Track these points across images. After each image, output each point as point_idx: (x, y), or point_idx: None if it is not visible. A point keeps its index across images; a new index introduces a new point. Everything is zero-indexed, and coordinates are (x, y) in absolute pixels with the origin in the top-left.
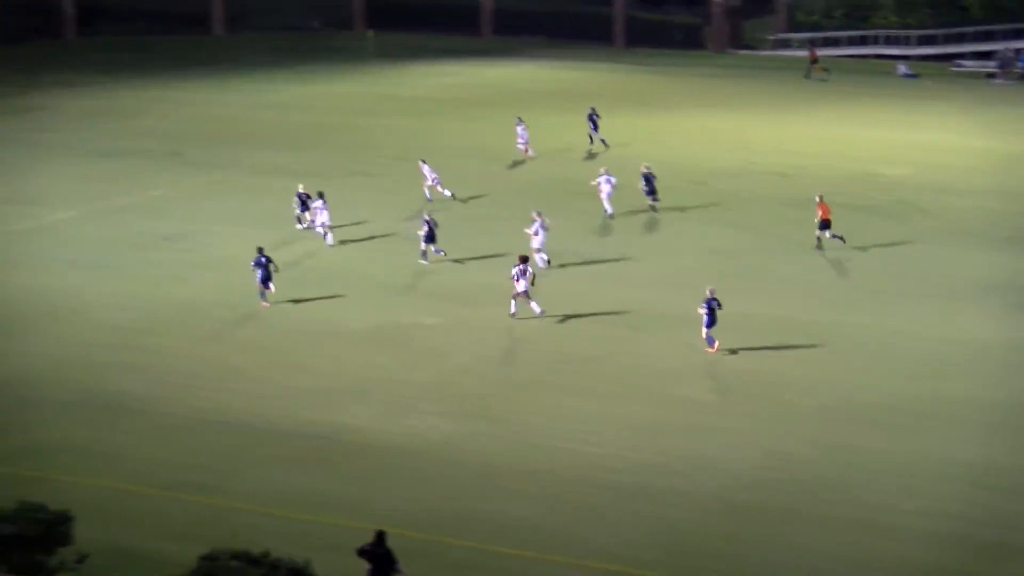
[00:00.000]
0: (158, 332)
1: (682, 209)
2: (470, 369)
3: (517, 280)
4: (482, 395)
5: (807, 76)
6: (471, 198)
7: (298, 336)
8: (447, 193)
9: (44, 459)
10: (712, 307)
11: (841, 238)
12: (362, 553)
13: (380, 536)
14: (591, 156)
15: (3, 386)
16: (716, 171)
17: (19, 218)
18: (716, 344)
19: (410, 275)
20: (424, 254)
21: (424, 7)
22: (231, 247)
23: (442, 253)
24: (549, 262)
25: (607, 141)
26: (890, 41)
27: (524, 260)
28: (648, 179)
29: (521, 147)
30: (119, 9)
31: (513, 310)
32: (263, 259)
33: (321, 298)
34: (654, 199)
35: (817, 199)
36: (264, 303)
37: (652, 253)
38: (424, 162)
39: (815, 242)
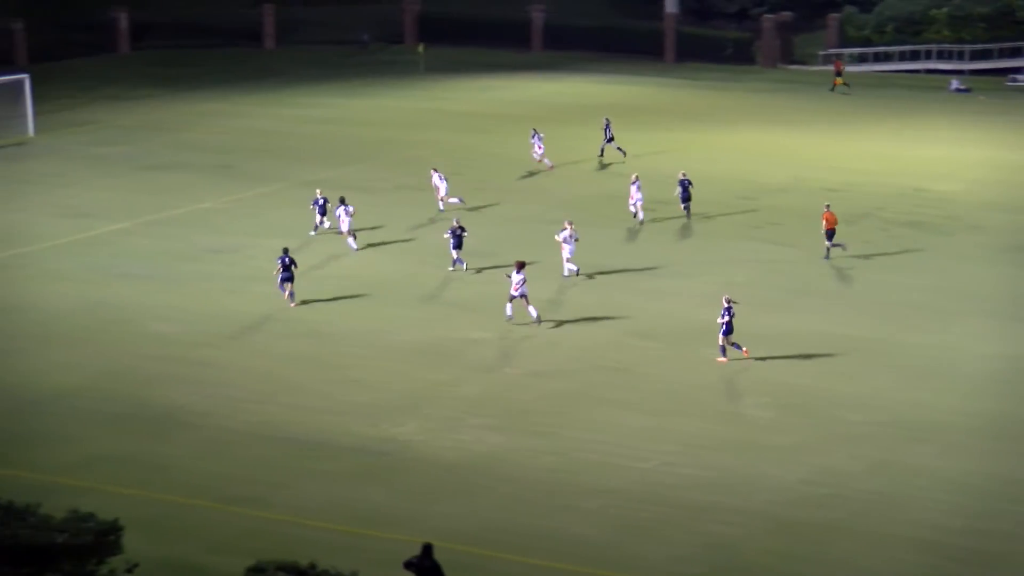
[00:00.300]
0: (207, 344)
1: (731, 224)
2: (518, 383)
3: (515, 286)
4: (531, 409)
5: (832, 89)
6: (490, 204)
7: (347, 349)
8: (446, 203)
9: (94, 470)
10: (726, 316)
11: (842, 246)
12: (408, 566)
13: (427, 549)
14: (604, 167)
15: (55, 397)
16: (765, 186)
17: (72, 230)
18: (745, 349)
19: (457, 289)
20: (457, 261)
21: (474, 22)
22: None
23: (462, 263)
24: (578, 273)
25: (604, 154)
26: (943, 56)
27: (522, 266)
28: (684, 186)
29: (537, 158)
30: (171, 24)
31: (509, 313)
32: (287, 259)
33: (370, 312)
34: (688, 206)
35: (825, 208)
36: (285, 296)
37: (700, 268)
38: (436, 171)
39: (824, 252)
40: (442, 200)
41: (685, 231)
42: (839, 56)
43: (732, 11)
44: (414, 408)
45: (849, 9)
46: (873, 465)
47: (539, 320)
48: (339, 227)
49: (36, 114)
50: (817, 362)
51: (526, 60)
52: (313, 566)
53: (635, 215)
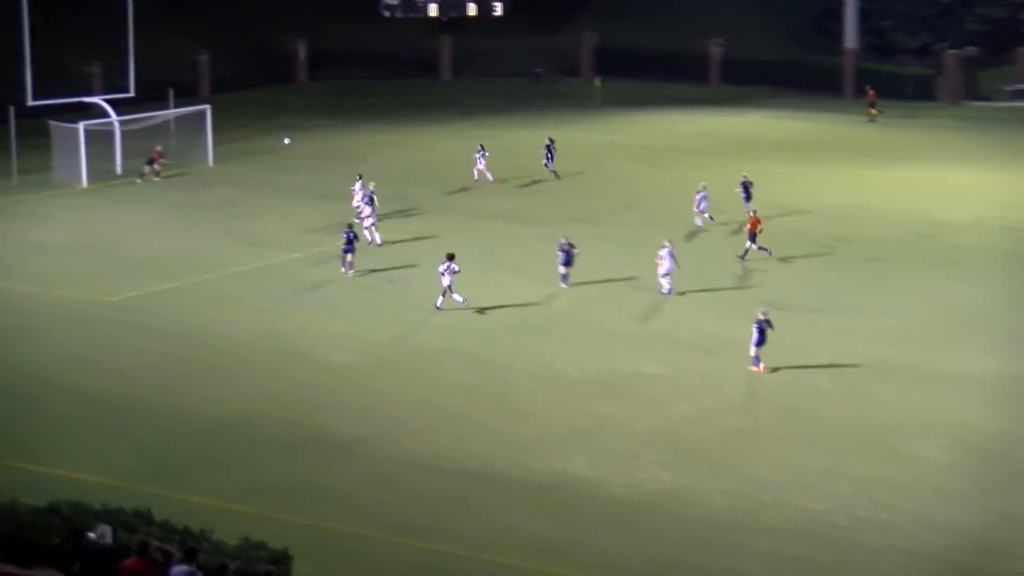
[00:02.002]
0: (378, 374)
1: (908, 261)
2: (693, 419)
3: (443, 275)
4: (703, 447)
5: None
6: (666, 238)
7: (518, 381)
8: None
9: (265, 497)
10: (762, 327)
11: (760, 249)
12: None
13: None
14: (535, 182)
15: (226, 424)
16: (944, 224)
17: (247, 258)
18: (761, 365)
19: (633, 321)
20: (564, 278)
21: (651, 55)
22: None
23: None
24: (669, 292)
25: (559, 173)
26: None
27: (451, 257)
28: (745, 187)
29: (476, 176)
30: (349, 54)
31: (439, 303)
32: (351, 235)
33: (541, 344)
34: (750, 206)
35: (751, 214)
36: (342, 270)
37: (878, 305)
38: (360, 177)
39: (742, 253)
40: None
41: (864, 270)
42: (872, 87)
43: (914, 47)
44: (584, 442)
45: None
46: None
47: (439, 308)
48: (363, 219)
49: (216, 143)
50: (998, 403)
51: (703, 94)
52: None
53: (697, 222)
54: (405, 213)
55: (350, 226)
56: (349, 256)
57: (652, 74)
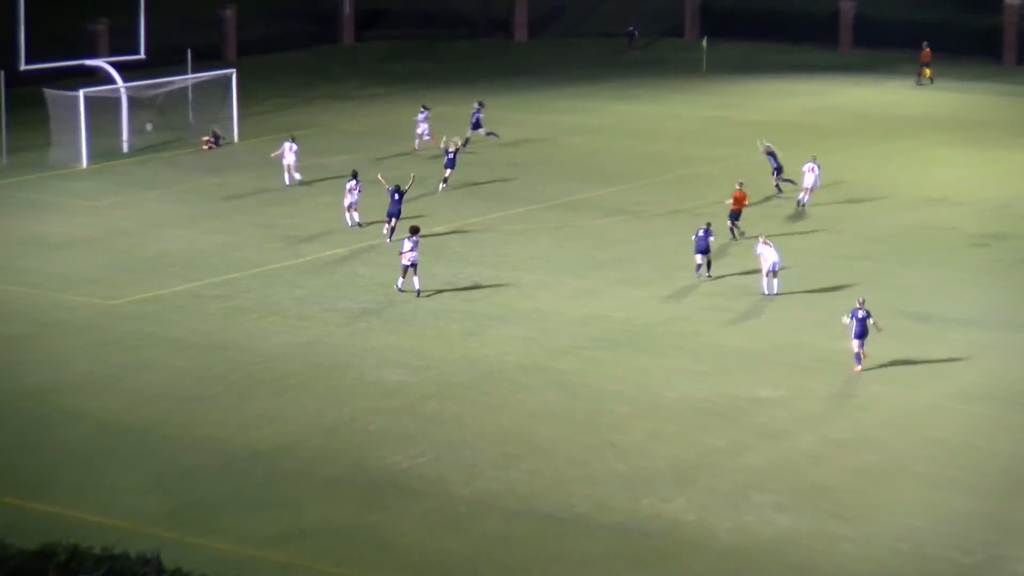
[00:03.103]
0: (441, 396)
1: None
2: (815, 453)
3: (404, 253)
4: (828, 485)
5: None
6: (783, 233)
7: (606, 406)
8: (297, 176)
9: (301, 543)
10: (857, 317)
11: (739, 232)
12: None
13: None
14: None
15: (257, 455)
16: None
17: (282, 255)
18: (859, 366)
19: (743, 334)
20: (698, 268)
21: (770, 13)
22: (531, 297)
23: (709, 276)
24: (776, 293)
25: (498, 135)
26: None
27: (415, 231)
28: (772, 155)
29: (419, 138)
30: (404, 10)
31: (400, 284)
32: (396, 195)
33: (633, 361)
34: (781, 177)
35: (737, 186)
36: (388, 241)
37: None
38: (293, 140)
39: (736, 235)
40: (295, 175)
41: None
42: (927, 44)
43: None
44: (685, 480)
45: None
46: None
47: (419, 293)
48: (343, 202)
49: (242, 116)
50: None
51: (832, 60)
52: None
53: (806, 198)
54: (470, 200)
55: (397, 187)
56: (393, 221)
57: (770, 35)
